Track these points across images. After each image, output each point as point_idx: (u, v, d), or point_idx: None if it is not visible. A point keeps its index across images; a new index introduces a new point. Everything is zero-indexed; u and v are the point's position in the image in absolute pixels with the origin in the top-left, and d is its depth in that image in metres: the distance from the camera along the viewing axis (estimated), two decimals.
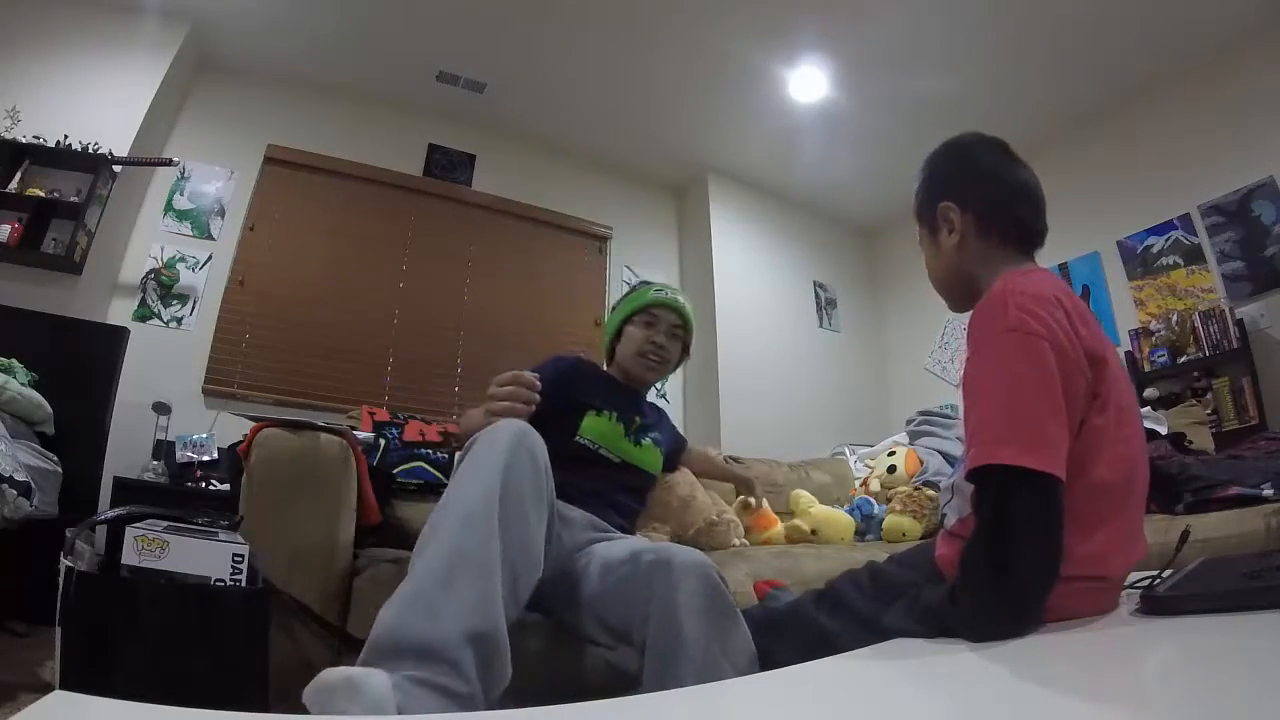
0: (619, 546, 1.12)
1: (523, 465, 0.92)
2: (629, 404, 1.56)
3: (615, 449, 1.46)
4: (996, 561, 0.71)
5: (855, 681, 0.65)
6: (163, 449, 3.05)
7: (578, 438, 1.41)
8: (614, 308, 1.71)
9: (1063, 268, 4.06)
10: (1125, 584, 0.87)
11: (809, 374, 4.93)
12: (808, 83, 3.96)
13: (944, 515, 0.99)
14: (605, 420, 1.45)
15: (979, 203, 0.97)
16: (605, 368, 1.66)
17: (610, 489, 1.41)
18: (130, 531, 0.87)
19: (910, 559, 1.06)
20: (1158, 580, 0.81)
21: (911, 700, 0.61)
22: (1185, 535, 0.88)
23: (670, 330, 1.60)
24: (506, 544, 0.83)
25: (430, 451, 1.85)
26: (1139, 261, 3.82)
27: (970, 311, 0.97)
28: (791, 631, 1.00)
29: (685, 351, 1.67)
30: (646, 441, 1.54)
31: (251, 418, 1.32)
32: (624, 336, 1.61)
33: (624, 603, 1.01)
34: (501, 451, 0.91)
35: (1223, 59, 3.49)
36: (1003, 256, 0.96)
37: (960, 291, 1.01)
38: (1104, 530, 0.79)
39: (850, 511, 2.60)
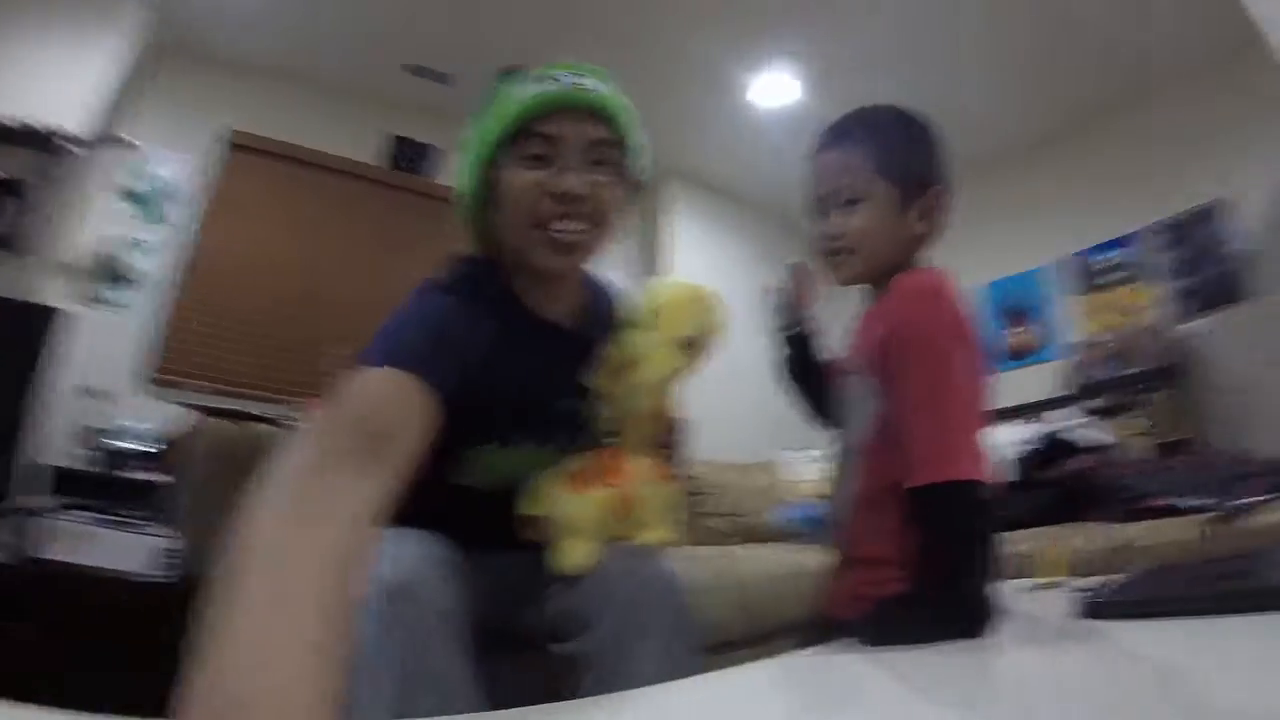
0: None
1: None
2: (562, 378, 0.88)
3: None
4: (963, 568, 0.74)
5: (805, 682, 0.65)
6: (100, 437, 2.92)
7: (471, 479, 0.87)
8: (468, 139, 0.90)
9: (1008, 281, 4.11)
10: (1072, 588, 0.88)
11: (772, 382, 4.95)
12: (778, 88, 3.99)
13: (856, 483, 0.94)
14: (517, 454, 0.88)
15: (947, 203, 0.96)
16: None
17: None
18: (55, 523, 0.82)
19: None
20: (1100, 586, 0.82)
21: (860, 704, 0.61)
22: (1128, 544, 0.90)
23: (587, 153, 0.85)
24: None
25: None
26: (1085, 276, 3.94)
27: (849, 285, 0.98)
28: None
29: (631, 186, 0.89)
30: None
31: (194, 407, 1.27)
32: (501, 191, 0.85)
33: (581, 609, 0.95)
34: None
35: (1177, 84, 3.62)
36: (921, 258, 0.97)
37: (880, 271, 0.94)
38: None
39: (791, 519, 2.58)
